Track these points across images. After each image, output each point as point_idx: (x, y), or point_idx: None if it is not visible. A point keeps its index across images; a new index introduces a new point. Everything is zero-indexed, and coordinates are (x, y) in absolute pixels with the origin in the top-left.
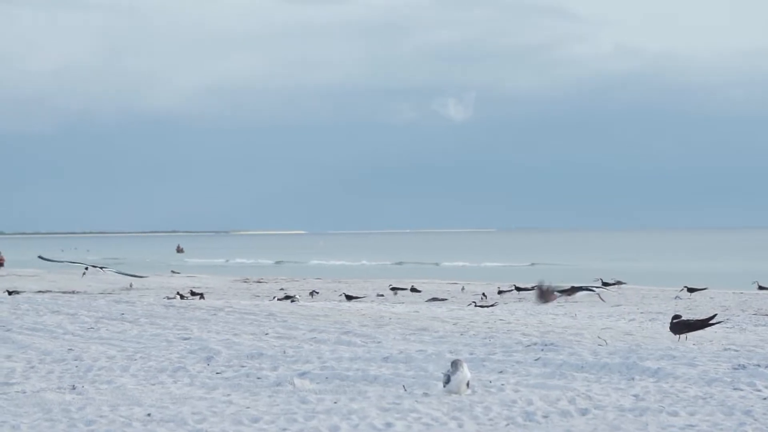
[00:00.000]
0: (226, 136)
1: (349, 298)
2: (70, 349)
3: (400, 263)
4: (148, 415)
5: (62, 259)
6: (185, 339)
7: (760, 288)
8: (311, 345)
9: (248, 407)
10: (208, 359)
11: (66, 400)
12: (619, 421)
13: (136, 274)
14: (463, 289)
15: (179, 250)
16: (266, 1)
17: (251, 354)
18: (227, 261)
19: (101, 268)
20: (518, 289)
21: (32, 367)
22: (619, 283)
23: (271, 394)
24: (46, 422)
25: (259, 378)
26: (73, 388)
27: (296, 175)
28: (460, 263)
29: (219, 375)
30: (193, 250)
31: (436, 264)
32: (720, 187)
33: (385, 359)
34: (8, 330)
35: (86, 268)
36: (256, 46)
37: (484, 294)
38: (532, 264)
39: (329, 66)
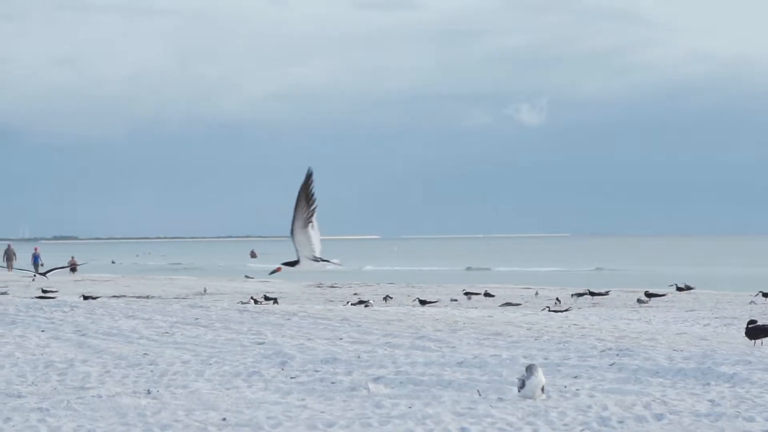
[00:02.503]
0: (298, 141)
1: (422, 302)
2: (145, 354)
3: (469, 268)
4: (224, 419)
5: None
6: (259, 344)
7: None
8: (385, 350)
9: (323, 412)
10: (283, 364)
11: (141, 405)
12: (695, 427)
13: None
14: (536, 293)
15: (253, 255)
16: (337, 7)
17: (325, 359)
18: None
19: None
20: (592, 293)
21: (107, 372)
22: (689, 288)
23: (346, 399)
24: (122, 426)
25: (333, 383)
26: (148, 392)
27: (369, 181)
28: (529, 268)
29: (293, 380)
30: (266, 255)
31: (507, 269)
32: None
33: (460, 364)
34: (84, 335)
35: (34, 277)
36: (327, 52)
37: (557, 299)
38: (597, 269)
39: (401, 71)
